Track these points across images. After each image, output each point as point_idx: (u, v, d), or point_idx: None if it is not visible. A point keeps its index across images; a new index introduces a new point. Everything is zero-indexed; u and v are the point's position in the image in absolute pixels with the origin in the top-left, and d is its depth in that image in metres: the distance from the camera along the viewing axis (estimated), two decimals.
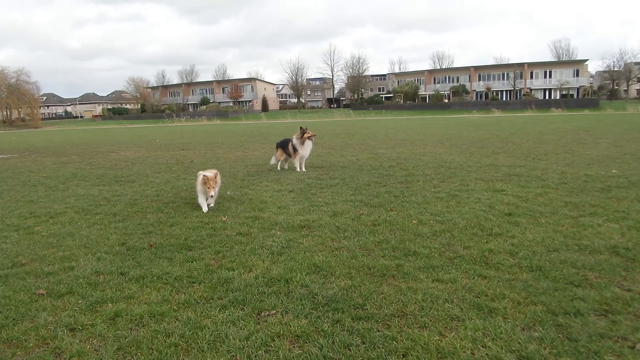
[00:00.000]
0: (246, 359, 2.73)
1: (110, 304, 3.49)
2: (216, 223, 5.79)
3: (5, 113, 79.51)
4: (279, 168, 10.61)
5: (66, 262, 4.48)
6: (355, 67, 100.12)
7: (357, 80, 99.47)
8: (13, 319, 3.30)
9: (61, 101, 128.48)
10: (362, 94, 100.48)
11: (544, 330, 2.91)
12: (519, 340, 2.80)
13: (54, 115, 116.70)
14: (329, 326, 3.06)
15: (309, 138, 10.08)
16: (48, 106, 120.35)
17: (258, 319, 3.22)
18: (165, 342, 2.92)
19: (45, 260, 4.56)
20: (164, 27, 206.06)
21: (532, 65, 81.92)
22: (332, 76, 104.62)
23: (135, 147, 19.55)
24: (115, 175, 10.50)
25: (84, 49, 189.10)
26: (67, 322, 3.20)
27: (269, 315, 3.25)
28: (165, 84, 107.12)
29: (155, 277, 4.01)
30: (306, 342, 2.88)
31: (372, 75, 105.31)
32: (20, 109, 79.74)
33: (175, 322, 3.19)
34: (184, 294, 3.66)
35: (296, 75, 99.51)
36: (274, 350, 2.81)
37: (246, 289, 3.68)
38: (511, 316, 3.12)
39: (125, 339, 2.96)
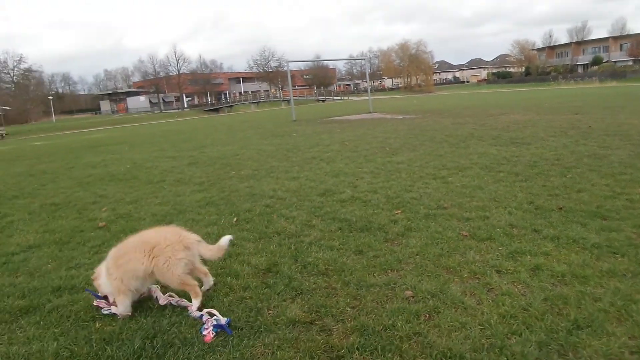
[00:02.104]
0: None
1: (529, 256, 3.68)
2: (634, 195, 5.16)
3: (406, 80, 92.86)
4: None
5: (480, 212, 4.95)
6: None
7: None
8: (447, 251, 3.93)
9: (451, 67, 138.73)
10: None
11: None
12: None
13: (444, 81, 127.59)
14: None
15: None
16: (440, 72, 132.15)
17: None
18: (593, 305, 2.87)
19: (463, 207, 5.17)
20: None
21: None
22: None
23: (523, 110, 19.25)
24: (509, 137, 10.71)
25: (474, 17, 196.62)
26: (492, 264, 3.58)
27: None
28: (552, 44, 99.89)
29: (571, 240, 3.95)
30: None
31: None
32: (417, 76, 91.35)
33: (600, 288, 3.09)
34: (606, 262, 3.48)
35: None
36: None
37: None
38: None
39: (550, 291, 3.07)
